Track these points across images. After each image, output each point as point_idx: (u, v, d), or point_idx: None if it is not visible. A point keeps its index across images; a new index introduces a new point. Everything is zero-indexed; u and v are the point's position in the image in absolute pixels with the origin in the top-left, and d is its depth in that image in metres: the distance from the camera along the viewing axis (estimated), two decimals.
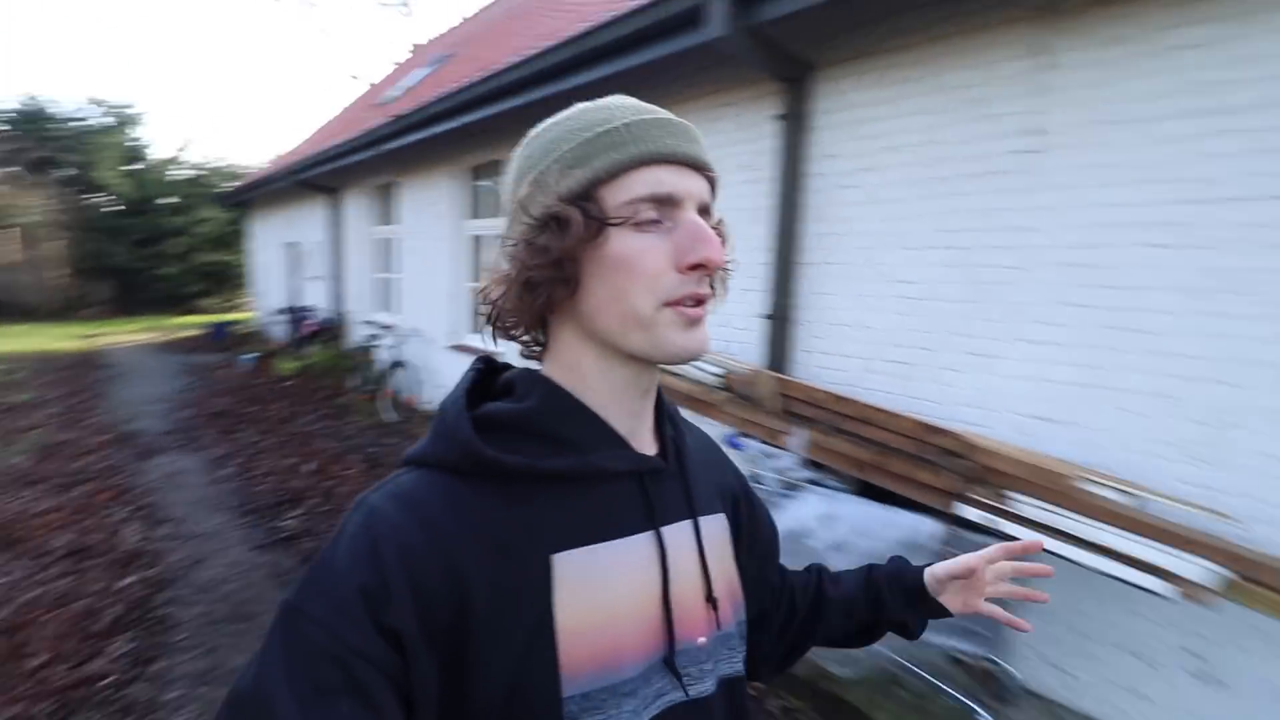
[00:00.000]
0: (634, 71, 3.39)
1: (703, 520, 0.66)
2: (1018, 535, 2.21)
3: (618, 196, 0.55)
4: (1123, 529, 2.06)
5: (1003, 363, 2.63)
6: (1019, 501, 2.25)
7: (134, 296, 18.10)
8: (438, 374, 6.67)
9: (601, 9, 3.79)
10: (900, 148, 2.85)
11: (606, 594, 0.56)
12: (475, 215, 6.28)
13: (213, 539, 3.84)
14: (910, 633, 0.86)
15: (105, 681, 2.50)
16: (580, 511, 0.58)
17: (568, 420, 0.59)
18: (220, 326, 12.58)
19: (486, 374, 0.65)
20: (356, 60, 40.30)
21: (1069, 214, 2.41)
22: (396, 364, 6.85)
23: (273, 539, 3.82)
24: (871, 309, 3.05)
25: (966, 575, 0.81)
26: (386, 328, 7.62)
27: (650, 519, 0.61)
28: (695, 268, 0.55)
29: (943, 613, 0.83)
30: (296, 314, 9.84)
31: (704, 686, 0.61)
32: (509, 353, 0.65)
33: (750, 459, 2.93)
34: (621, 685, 0.55)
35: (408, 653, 0.49)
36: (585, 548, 0.56)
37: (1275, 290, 2.03)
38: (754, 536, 0.78)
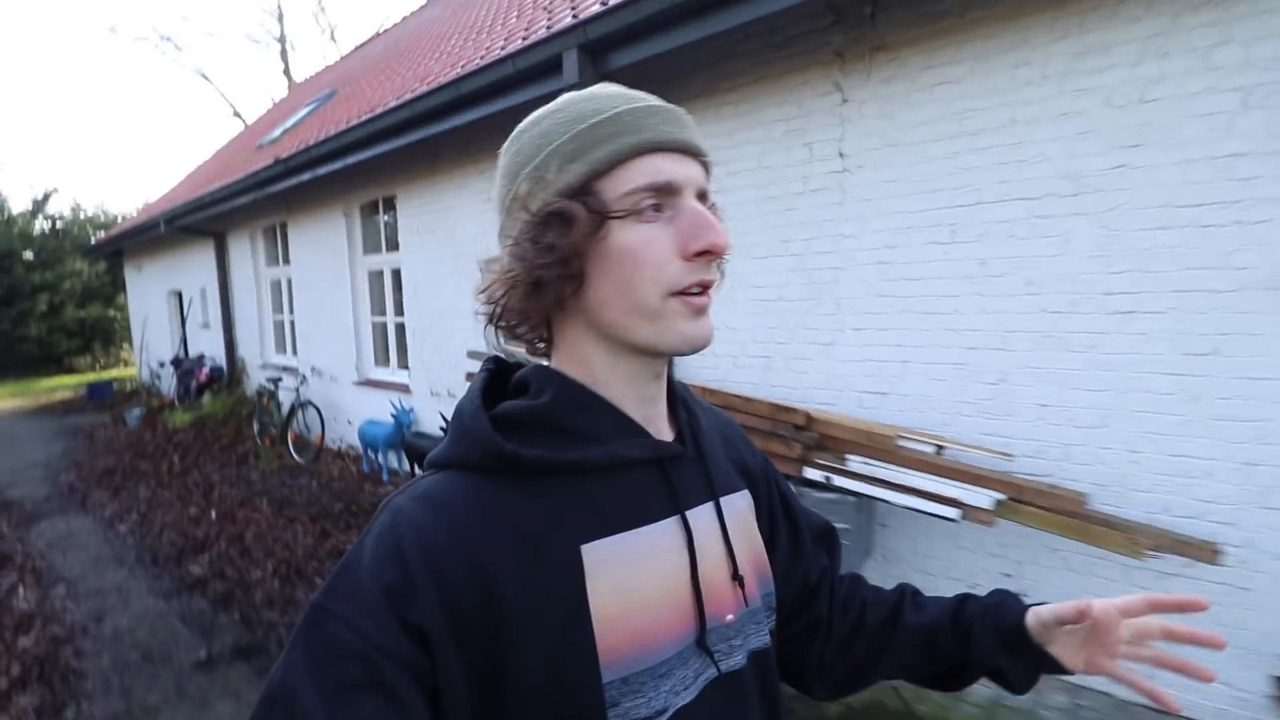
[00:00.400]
0: (508, 113, 3.72)
1: (724, 500, 0.67)
2: (855, 490, 2.65)
3: (617, 188, 0.55)
4: (929, 474, 2.54)
5: (840, 349, 3.10)
6: (853, 461, 2.70)
7: None
8: (345, 411, 6.68)
9: (474, 55, 4.10)
10: (740, 172, 3.31)
11: (638, 580, 0.57)
12: (372, 250, 6.38)
13: (114, 593, 3.78)
14: (1011, 685, 0.74)
15: None
16: (605, 501, 0.58)
17: (584, 412, 0.59)
18: (99, 385, 11.82)
19: (498, 374, 0.66)
20: (235, 98, 38.64)
21: (874, 221, 2.92)
22: (300, 405, 6.79)
23: (180, 586, 3.81)
24: (734, 312, 3.48)
25: (1077, 620, 0.67)
26: (287, 370, 7.51)
27: (674, 504, 0.61)
28: (701, 254, 0.56)
29: (1056, 668, 0.70)
30: (185, 364, 9.44)
31: (734, 661, 0.63)
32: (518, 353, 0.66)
33: None
34: (658, 667, 0.56)
35: (434, 650, 0.49)
36: (613, 536, 0.57)
37: (1025, 272, 2.57)
38: (774, 520, 0.77)
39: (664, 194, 0.56)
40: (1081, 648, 0.69)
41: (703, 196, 0.59)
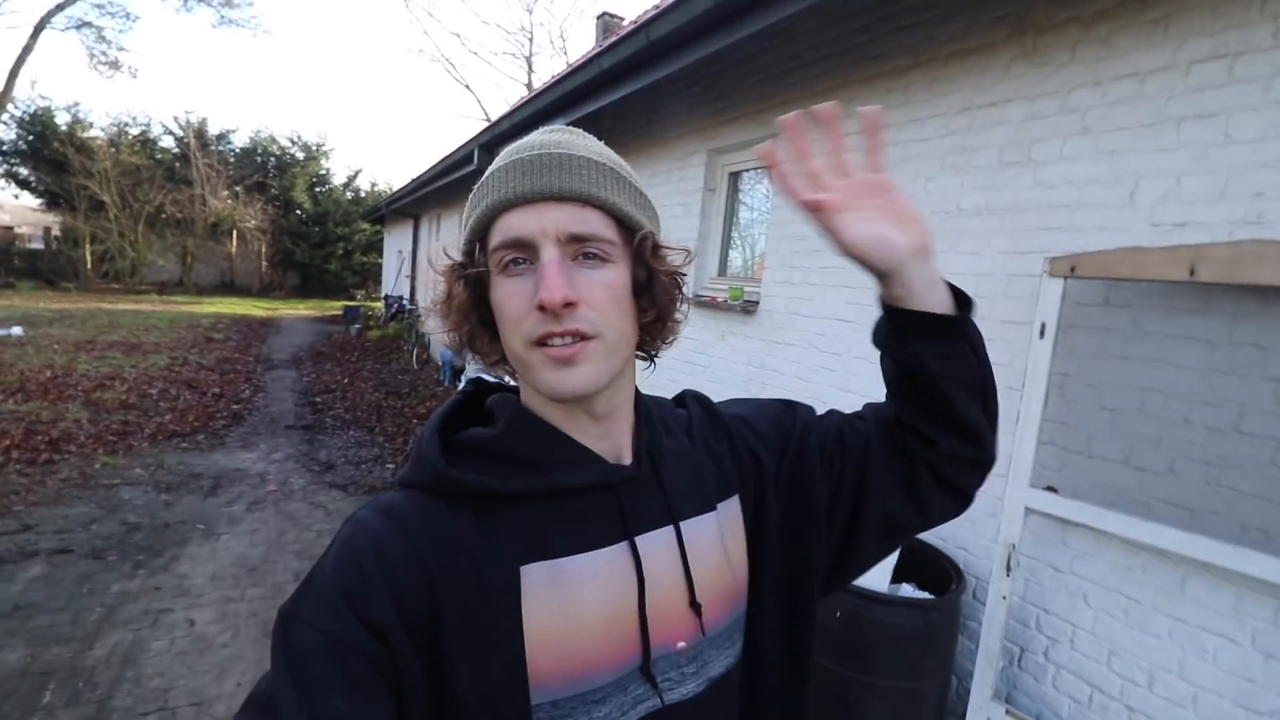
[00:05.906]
0: (457, 182, 6.78)
1: (686, 524, 0.65)
2: None
3: (487, 249, 0.58)
4: None
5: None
6: None
7: (311, 284, 24.19)
8: (439, 337, 10.31)
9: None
10: None
11: (576, 606, 0.57)
12: None
13: (278, 399, 7.62)
14: (945, 324, 0.67)
15: (215, 427, 6.20)
16: (548, 526, 0.59)
17: (531, 441, 0.61)
18: (351, 308, 17.33)
19: (475, 396, 0.68)
20: (490, 105, 47.33)
21: None
22: (421, 333, 10.58)
23: (305, 400, 7.55)
24: None
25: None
26: (426, 309, 11.43)
27: (624, 530, 0.61)
28: (542, 308, 0.55)
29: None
30: (390, 301, 14.05)
31: (685, 690, 0.61)
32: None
33: None
34: (593, 693, 0.57)
35: (392, 644, 0.52)
36: (552, 561, 0.58)
37: None
38: (804, 456, 0.72)
39: (520, 249, 0.56)
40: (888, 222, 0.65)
41: (579, 240, 0.56)
